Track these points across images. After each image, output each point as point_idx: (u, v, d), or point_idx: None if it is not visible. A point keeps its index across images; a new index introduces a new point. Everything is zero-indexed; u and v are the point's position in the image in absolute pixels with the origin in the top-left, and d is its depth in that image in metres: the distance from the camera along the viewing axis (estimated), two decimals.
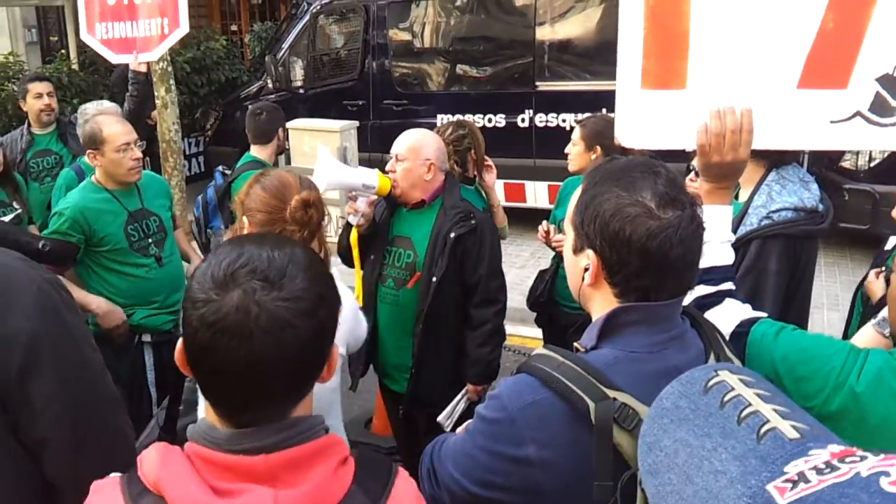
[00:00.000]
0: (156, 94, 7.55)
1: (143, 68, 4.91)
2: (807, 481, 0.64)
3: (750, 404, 0.76)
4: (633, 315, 1.29)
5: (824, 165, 6.79)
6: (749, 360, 1.45)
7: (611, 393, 1.19)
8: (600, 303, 1.34)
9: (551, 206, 7.24)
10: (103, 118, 3.31)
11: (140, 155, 3.24)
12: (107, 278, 3.18)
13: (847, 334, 2.61)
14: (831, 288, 6.20)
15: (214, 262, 1.03)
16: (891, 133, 1.63)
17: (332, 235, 7.50)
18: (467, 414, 2.94)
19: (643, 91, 1.68)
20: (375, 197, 2.93)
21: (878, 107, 1.61)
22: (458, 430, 1.43)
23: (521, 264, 6.83)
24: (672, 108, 1.66)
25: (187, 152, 9.32)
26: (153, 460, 1.01)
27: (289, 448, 1.02)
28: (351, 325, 2.15)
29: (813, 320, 5.56)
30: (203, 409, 1.10)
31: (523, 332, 5.46)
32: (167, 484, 0.98)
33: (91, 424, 1.42)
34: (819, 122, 1.63)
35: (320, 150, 2.89)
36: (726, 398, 0.78)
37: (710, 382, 0.82)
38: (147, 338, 3.27)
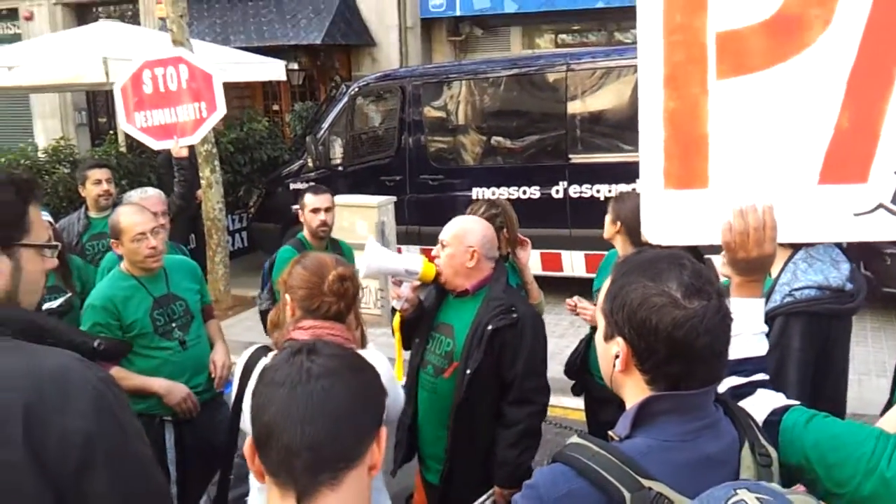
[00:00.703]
0: (201, 174, 7.87)
1: (185, 153, 5.07)
2: None
3: None
4: (665, 404, 1.32)
5: None
6: (782, 448, 1.46)
7: (646, 483, 1.21)
8: (632, 389, 1.37)
9: (588, 275, 7.31)
10: (124, 208, 3.43)
11: (155, 244, 3.28)
12: (132, 360, 3.23)
13: (891, 401, 2.56)
14: (878, 354, 6.06)
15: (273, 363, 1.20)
16: None
17: (369, 306, 7.56)
18: None
19: (667, 191, 1.74)
20: (419, 283, 2.96)
21: None
22: None
23: (560, 333, 6.81)
24: (696, 207, 1.72)
25: (231, 228, 9.57)
26: None
27: None
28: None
29: (861, 387, 5.47)
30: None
31: (565, 403, 5.40)
32: None
33: None
34: (842, 216, 1.67)
35: (368, 240, 2.99)
36: None
37: (730, 501, 0.87)
38: (168, 417, 3.28)
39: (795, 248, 2.40)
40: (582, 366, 3.62)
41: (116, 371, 3.08)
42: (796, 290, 2.32)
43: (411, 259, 2.96)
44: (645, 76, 1.74)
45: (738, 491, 0.88)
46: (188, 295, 3.46)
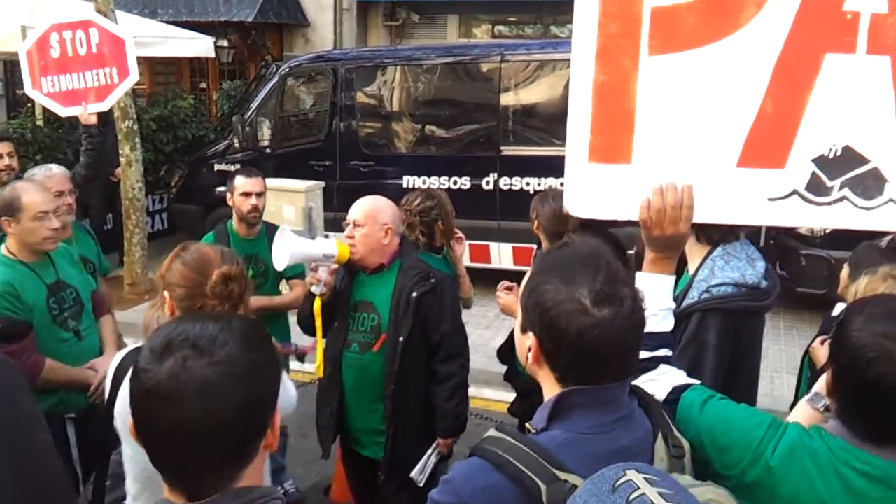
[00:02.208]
0: (121, 152, 7.56)
1: (94, 120, 4.84)
2: None
3: (652, 502, 0.85)
4: (579, 398, 1.33)
5: (782, 231, 6.96)
6: (677, 426, 1.48)
7: (561, 475, 1.22)
8: (545, 382, 1.39)
9: (515, 267, 7.35)
10: (23, 184, 3.20)
11: (57, 225, 3.10)
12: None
13: (797, 398, 2.63)
14: (790, 352, 6.28)
15: (155, 335, 1.10)
16: (825, 211, 1.70)
17: None
18: (438, 468, 3.03)
19: (591, 164, 1.74)
20: (336, 265, 2.98)
21: (814, 186, 1.69)
22: None
23: (485, 325, 6.82)
24: (618, 182, 1.72)
25: (150, 209, 9.26)
26: None
27: None
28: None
29: (773, 384, 5.65)
30: (162, 490, 1.13)
31: (487, 395, 5.42)
32: None
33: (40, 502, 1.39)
34: (757, 200, 1.70)
35: (280, 229, 2.99)
36: (632, 497, 0.87)
37: (619, 482, 0.90)
38: (70, 414, 3.13)
39: (713, 244, 2.45)
40: (511, 354, 3.63)
41: (50, 364, 3.00)
42: (713, 286, 2.36)
43: (326, 243, 3.00)
44: (578, 48, 1.72)
45: (627, 472, 0.91)
46: (76, 282, 3.28)
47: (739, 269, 2.37)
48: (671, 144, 1.69)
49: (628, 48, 1.69)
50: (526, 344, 1.38)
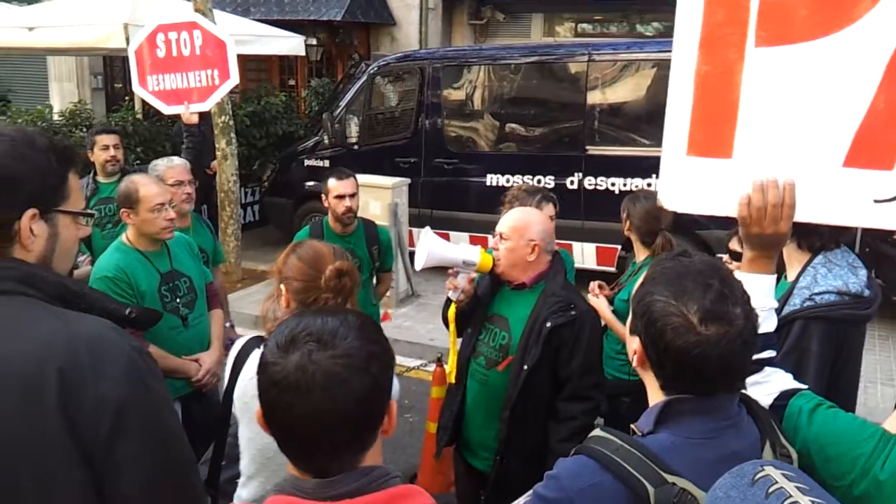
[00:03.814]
0: (217, 146, 7.87)
1: (195, 119, 5.02)
2: None
3: (791, 496, 0.87)
4: (688, 405, 1.34)
5: (879, 238, 6.71)
6: (785, 434, 1.47)
7: (669, 478, 1.23)
8: (650, 385, 1.41)
9: (598, 267, 7.31)
10: (140, 178, 3.35)
11: (173, 216, 3.26)
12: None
13: None
14: (885, 363, 6.06)
15: (278, 331, 1.18)
16: None
17: None
18: None
19: (689, 157, 1.70)
20: (476, 274, 2.93)
21: None
22: None
23: None
24: (716, 177, 1.67)
25: (243, 201, 9.59)
26: None
27: (370, 494, 1.11)
28: None
29: (867, 394, 5.47)
30: (287, 467, 1.20)
31: None
32: None
33: (170, 485, 1.48)
34: (863, 201, 1.63)
35: (423, 231, 2.95)
36: (770, 490, 0.89)
37: (757, 476, 0.92)
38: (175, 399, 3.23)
39: (815, 252, 2.40)
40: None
41: (154, 350, 3.05)
42: (816, 294, 2.32)
43: (469, 250, 2.91)
44: (680, 36, 1.67)
45: (765, 467, 0.93)
46: (192, 271, 3.42)
47: (842, 277, 2.33)
48: (774, 140, 1.64)
49: (734, 38, 1.63)
50: (633, 346, 1.40)
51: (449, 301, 2.98)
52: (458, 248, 2.95)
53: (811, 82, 1.61)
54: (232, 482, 2.30)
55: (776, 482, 0.89)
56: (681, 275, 1.35)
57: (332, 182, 4.12)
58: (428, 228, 2.97)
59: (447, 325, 3.03)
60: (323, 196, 4.18)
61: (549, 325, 2.73)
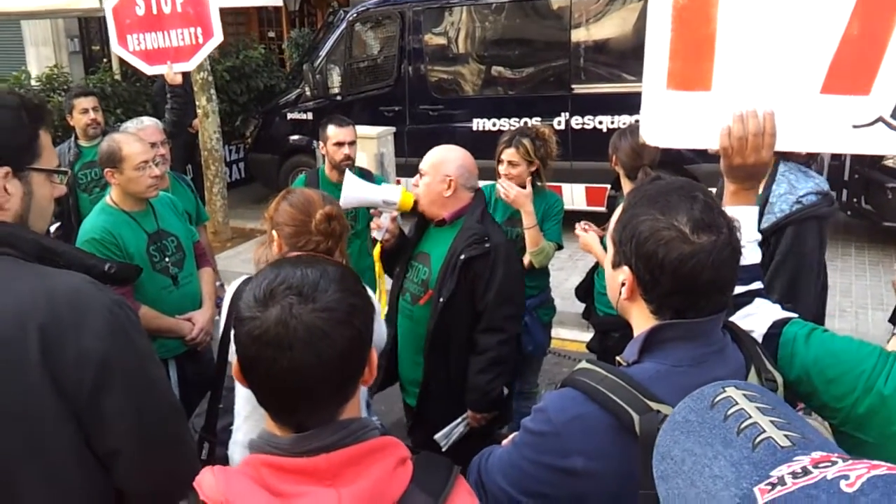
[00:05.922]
0: (197, 103, 7.73)
1: (179, 79, 4.91)
2: (784, 484, 0.73)
3: (750, 416, 0.85)
4: (673, 331, 1.33)
5: (867, 164, 6.68)
6: (781, 361, 1.48)
7: (654, 405, 1.23)
8: (638, 317, 1.39)
9: (588, 208, 7.28)
10: (121, 136, 3.28)
11: (158, 173, 3.21)
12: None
13: None
14: (875, 288, 6.09)
15: (255, 283, 1.14)
16: None
17: None
18: (465, 439, 2.92)
19: (669, 91, 1.70)
20: (397, 213, 3.00)
21: None
22: (505, 441, 1.47)
23: (558, 266, 6.81)
24: (697, 109, 1.68)
25: (228, 159, 9.48)
26: (212, 483, 1.08)
27: (347, 447, 1.09)
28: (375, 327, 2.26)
29: (858, 320, 5.52)
30: (265, 419, 1.18)
31: (563, 335, 5.46)
32: (238, 500, 1.05)
33: (157, 435, 1.50)
34: (841, 127, 1.64)
35: (346, 173, 3.08)
36: (729, 412, 0.87)
37: (717, 398, 0.90)
38: (169, 357, 3.25)
39: (776, 161, 2.46)
40: (587, 292, 3.64)
41: (145, 311, 3.03)
42: (802, 196, 2.39)
43: (389, 189, 3.00)
44: None
45: (725, 388, 0.91)
46: (178, 230, 3.38)
47: (812, 178, 2.43)
48: (752, 70, 1.64)
49: None
50: (618, 279, 1.37)
51: (375, 240, 3.07)
52: (378, 188, 3.04)
53: (786, 11, 1.61)
54: (227, 430, 2.33)
55: (736, 403, 0.87)
56: (663, 192, 1.35)
57: (331, 129, 4.17)
58: (347, 171, 3.10)
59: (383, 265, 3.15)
60: (321, 143, 4.24)
61: (462, 256, 2.78)
